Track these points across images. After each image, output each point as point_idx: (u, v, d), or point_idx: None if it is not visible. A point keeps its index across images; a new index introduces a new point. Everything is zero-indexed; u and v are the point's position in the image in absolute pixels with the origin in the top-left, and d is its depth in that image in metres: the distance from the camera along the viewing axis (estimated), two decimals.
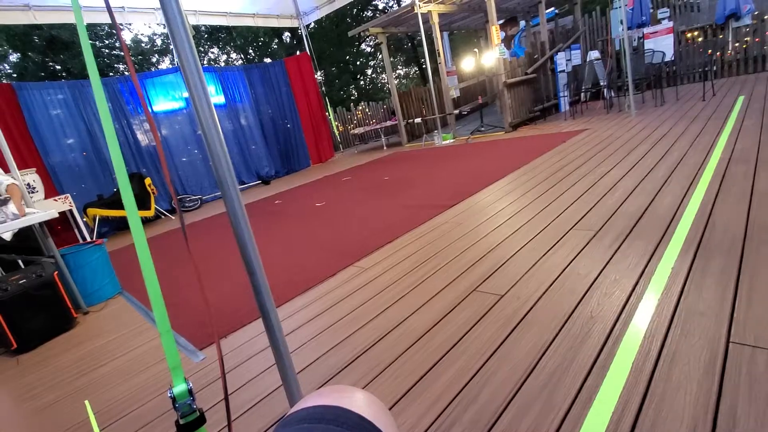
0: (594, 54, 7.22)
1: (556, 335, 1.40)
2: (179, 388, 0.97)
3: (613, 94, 7.34)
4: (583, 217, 2.44)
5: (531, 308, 1.61)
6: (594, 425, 1.02)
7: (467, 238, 2.55)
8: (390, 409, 1.25)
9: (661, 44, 7.43)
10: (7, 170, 3.06)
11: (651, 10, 8.25)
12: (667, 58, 7.35)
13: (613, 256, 1.88)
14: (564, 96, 7.62)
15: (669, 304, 1.43)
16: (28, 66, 15.74)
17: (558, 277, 1.81)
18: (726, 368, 1.10)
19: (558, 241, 2.18)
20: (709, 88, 6.19)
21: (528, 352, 1.35)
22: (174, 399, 0.97)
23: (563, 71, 7.72)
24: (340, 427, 0.39)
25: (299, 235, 3.51)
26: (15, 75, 15.74)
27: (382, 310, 1.88)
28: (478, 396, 1.21)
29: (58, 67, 16.34)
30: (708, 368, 1.12)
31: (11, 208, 2.54)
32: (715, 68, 6.79)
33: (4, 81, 14.14)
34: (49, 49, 15.71)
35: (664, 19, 8.13)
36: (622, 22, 5.69)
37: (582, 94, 7.51)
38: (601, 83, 7.16)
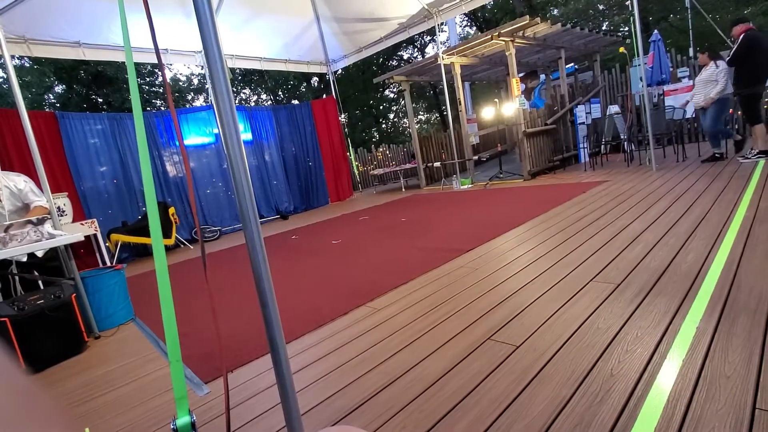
0: (614, 108, 7.33)
1: (575, 392, 1.34)
2: (183, 420, 0.95)
3: (633, 147, 7.36)
4: (602, 270, 2.38)
5: (548, 361, 1.54)
6: None
7: (482, 284, 2.51)
8: None
9: (682, 101, 7.51)
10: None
11: (671, 69, 8.41)
12: (688, 115, 7.39)
13: (634, 311, 1.82)
14: (584, 147, 7.68)
15: (694, 366, 1.36)
16: (72, 97, 16.85)
17: (577, 330, 1.74)
18: None
19: (576, 293, 2.12)
20: (732, 145, 6.14)
21: (544, 409, 1.28)
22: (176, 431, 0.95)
23: (583, 123, 7.82)
24: None
25: (313, 272, 3.51)
26: (58, 105, 16.84)
27: (392, 354, 1.83)
28: None
29: (100, 100, 17.44)
30: None
31: (47, 227, 2.65)
32: (737, 127, 6.77)
33: (48, 110, 15.13)
34: (94, 83, 16.85)
35: (684, 77, 8.27)
36: (641, 79, 5.80)
37: (602, 146, 7.55)
38: (622, 137, 7.20)
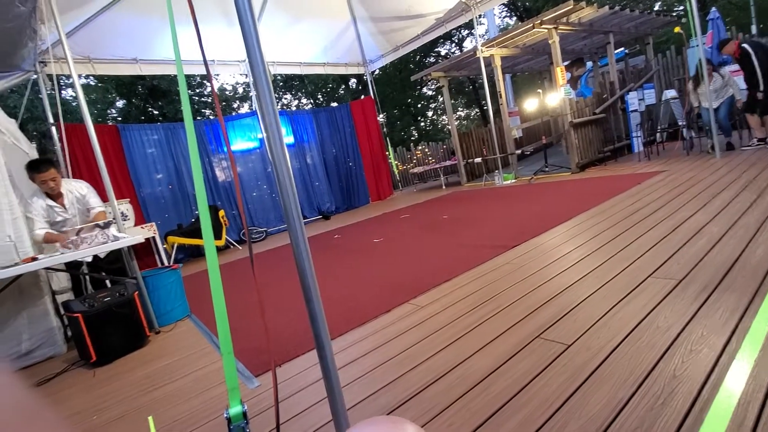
0: (670, 93, 6.83)
1: (634, 393, 1.26)
2: (235, 409, 1.00)
3: (693, 134, 6.82)
4: (662, 265, 2.23)
5: (603, 361, 1.47)
6: None
7: (530, 280, 2.43)
8: None
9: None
10: (105, 200, 3.47)
11: None
12: None
13: (699, 309, 1.68)
14: (637, 136, 7.22)
15: (767, 367, 1.24)
16: (131, 111, 18.17)
17: (634, 329, 1.64)
18: None
19: (633, 290, 2.00)
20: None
21: (601, 410, 1.22)
22: (229, 420, 1.00)
23: (636, 111, 7.36)
24: None
25: (356, 270, 3.56)
26: (120, 118, 18.21)
27: (437, 351, 1.82)
28: None
29: (156, 112, 18.64)
30: None
31: (112, 230, 2.87)
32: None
33: (111, 123, 16.37)
34: (150, 97, 18.06)
35: None
36: (700, 62, 5.38)
37: (658, 135, 7.07)
38: (679, 123, 6.70)
